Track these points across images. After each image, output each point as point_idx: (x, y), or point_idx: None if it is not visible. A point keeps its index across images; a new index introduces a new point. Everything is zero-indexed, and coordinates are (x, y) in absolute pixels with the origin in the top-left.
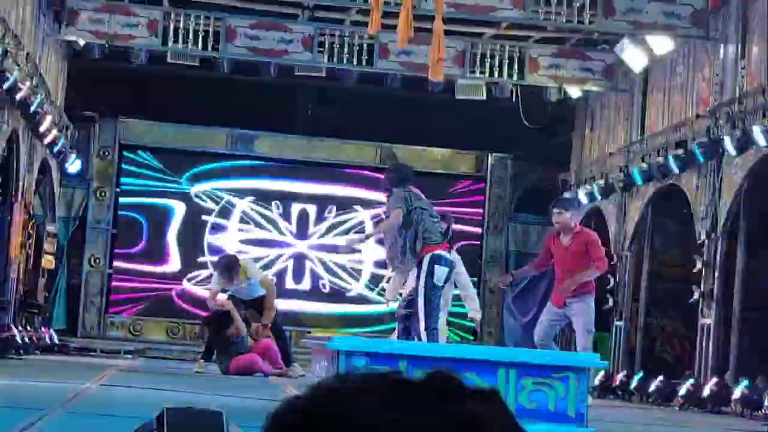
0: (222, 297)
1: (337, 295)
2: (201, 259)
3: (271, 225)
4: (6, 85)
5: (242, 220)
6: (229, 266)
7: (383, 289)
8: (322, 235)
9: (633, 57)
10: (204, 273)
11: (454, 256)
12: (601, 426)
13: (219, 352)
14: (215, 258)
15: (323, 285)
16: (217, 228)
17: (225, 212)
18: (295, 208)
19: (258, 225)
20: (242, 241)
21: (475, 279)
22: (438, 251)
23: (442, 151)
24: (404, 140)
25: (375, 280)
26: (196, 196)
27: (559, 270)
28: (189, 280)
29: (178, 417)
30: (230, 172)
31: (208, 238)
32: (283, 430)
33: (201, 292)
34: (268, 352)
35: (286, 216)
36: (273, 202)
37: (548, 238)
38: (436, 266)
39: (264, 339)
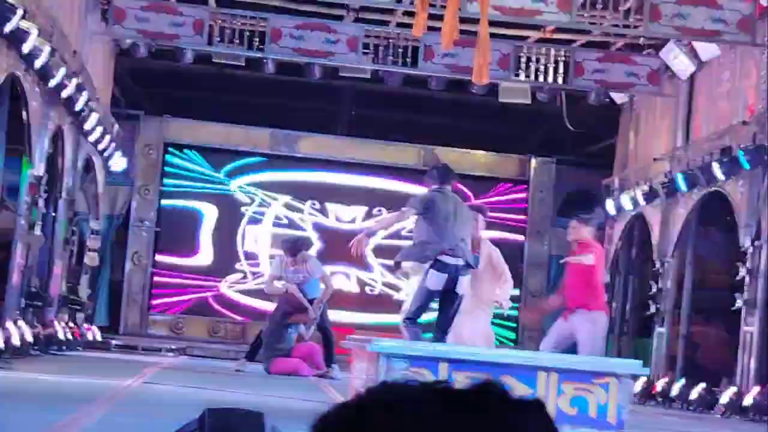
0: (279, 284)
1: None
2: (238, 265)
3: (309, 225)
4: (53, 83)
5: (282, 223)
6: (298, 242)
7: None
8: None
9: (679, 62)
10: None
11: (484, 249)
12: None
13: (267, 346)
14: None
15: (371, 289)
16: (256, 224)
17: (265, 212)
18: (339, 208)
19: (296, 227)
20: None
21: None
22: (442, 257)
23: (485, 154)
24: (447, 143)
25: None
26: (239, 195)
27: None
28: (228, 285)
29: (219, 418)
30: (273, 172)
31: (249, 239)
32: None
33: (237, 297)
34: (311, 357)
35: (325, 215)
36: (311, 203)
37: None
38: (431, 270)
39: (308, 342)
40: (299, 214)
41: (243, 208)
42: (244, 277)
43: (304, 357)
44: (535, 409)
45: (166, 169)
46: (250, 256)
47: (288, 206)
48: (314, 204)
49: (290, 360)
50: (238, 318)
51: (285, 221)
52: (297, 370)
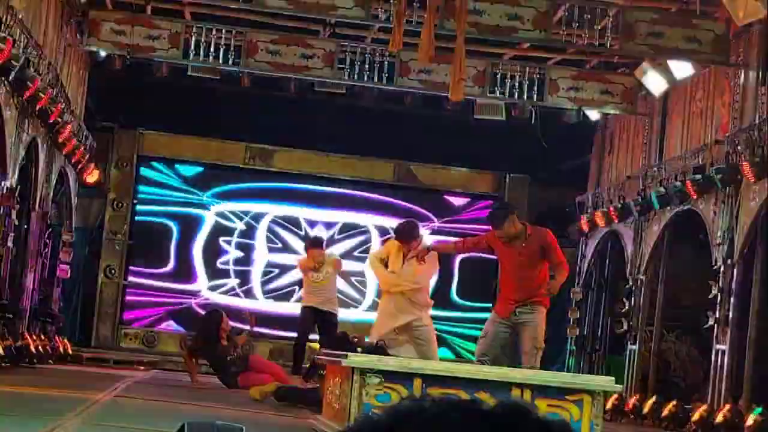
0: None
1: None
2: (218, 279)
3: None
4: (27, 94)
5: (248, 236)
6: (316, 239)
7: None
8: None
9: (653, 81)
10: (224, 282)
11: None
12: None
13: (218, 370)
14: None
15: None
16: (227, 236)
17: (247, 229)
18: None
19: (282, 241)
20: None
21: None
22: None
23: (460, 170)
24: (422, 159)
25: None
26: (214, 209)
27: (512, 277)
28: (211, 289)
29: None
30: (248, 187)
31: (225, 252)
32: None
33: (225, 300)
34: (273, 371)
35: (299, 229)
36: (284, 216)
37: (492, 236)
38: None
39: (257, 356)
40: (281, 229)
41: (216, 222)
42: (216, 290)
43: (267, 371)
44: (563, 430)
45: (140, 182)
46: (221, 273)
47: (256, 219)
48: (285, 217)
49: (258, 375)
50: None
51: (254, 235)
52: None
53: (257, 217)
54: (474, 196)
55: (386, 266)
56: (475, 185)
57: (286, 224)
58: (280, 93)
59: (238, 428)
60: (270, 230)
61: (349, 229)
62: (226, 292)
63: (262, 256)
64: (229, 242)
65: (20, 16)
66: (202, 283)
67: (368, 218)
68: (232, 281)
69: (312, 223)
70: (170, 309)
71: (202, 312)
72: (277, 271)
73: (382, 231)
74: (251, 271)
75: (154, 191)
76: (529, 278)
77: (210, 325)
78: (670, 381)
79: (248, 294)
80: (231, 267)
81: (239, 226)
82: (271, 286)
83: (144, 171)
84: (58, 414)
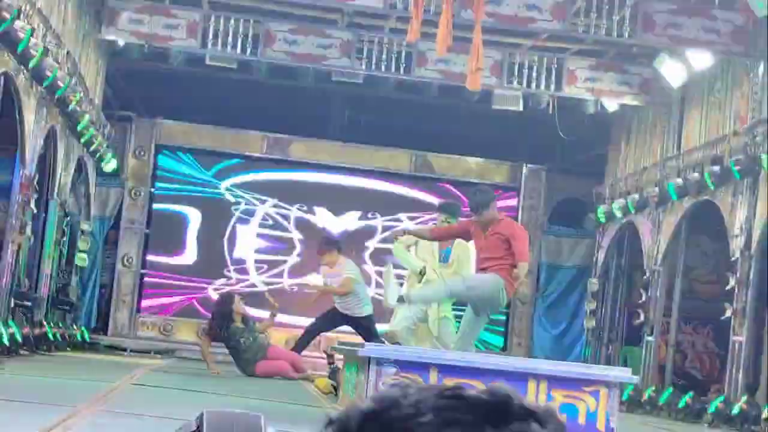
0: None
1: None
2: (226, 270)
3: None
4: (45, 83)
5: (269, 224)
6: (329, 240)
7: None
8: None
9: (671, 72)
10: (241, 269)
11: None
12: None
13: (234, 355)
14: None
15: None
16: (244, 225)
17: (253, 214)
18: (330, 213)
19: (283, 229)
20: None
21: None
22: None
23: (477, 160)
24: (439, 149)
25: None
26: (229, 197)
27: (477, 265)
28: (214, 288)
29: (217, 420)
30: (264, 173)
31: (239, 242)
32: None
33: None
34: (294, 362)
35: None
36: (298, 206)
37: (469, 222)
38: None
39: (281, 347)
40: (285, 220)
41: (233, 210)
42: (231, 280)
43: (286, 359)
44: (550, 417)
45: (158, 171)
46: (237, 261)
47: (276, 208)
48: (302, 207)
49: (276, 362)
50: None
51: (271, 223)
52: (283, 371)
53: (275, 207)
54: (490, 186)
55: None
56: (491, 175)
57: (303, 214)
58: (298, 83)
59: (257, 416)
60: (286, 219)
61: (365, 219)
62: (243, 281)
63: (278, 244)
64: (246, 231)
65: (39, 6)
66: (219, 271)
67: (385, 208)
68: (250, 270)
69: (328, 213)
70: (187, 298)
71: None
72: (296, 260)
73: (398, 221)
74: (267, 260)
75: (172, 180)
76: (492, 267)
77: (223, 308)
78: (687, 372)
79: (266, 283)
80: (248, 255)
81: (257, 215)
82: (286, 275)
83: (162, 160)
84: (75, 401)
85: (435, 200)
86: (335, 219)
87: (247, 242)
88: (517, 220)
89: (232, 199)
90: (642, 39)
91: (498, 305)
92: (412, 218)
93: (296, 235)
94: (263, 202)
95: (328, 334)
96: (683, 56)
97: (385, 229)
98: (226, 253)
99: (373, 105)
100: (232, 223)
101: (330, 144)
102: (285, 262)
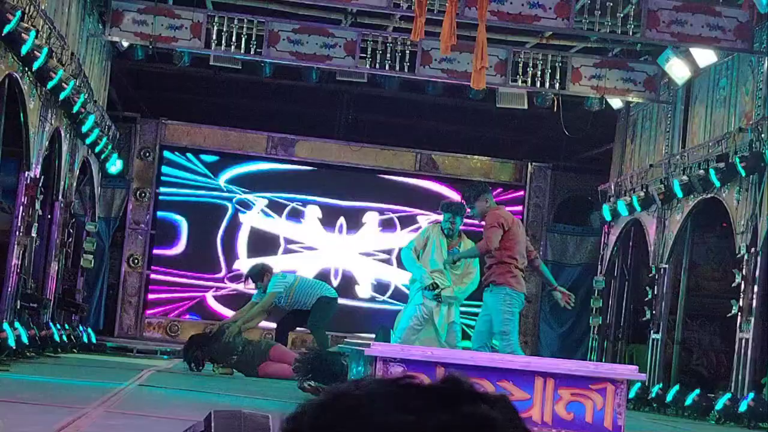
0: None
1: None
2: (236, 266)
3: (308, 229)
4: (50, 85)
5: (266, 223)
6: (257, 271)
7: None
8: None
9: (676, 69)
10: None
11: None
12: None
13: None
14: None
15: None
16: (258, 230)
17: (268, 217)
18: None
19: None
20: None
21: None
22: None
23: (482, 159)
24: (444, 148)
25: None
26: (236, 198)
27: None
28: (228, 280)
29: (225, 419)
30: (269, 175)
31: (241, 241)
32: (299, 430)
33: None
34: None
35: (325, 222)
36: (309, 207)
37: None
38: None
39: (278, 346)
40: (283, 214)
41: (239, 212)
42: (235, 279)
43: (285, 360)
44: (502, 401)
45: (163, 171)
46: (236, 259)
47: (273, 206)
48: (302, 204)
49: (278, 365)
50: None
51: (270, 220)
52: (286, 373)
53: (279, 207)
54: (496, 185)
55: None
56: (497, 174)
57: (306, 214)
58: (302, 82)
59: (265, 416)
60: (289, 219)
61: (368, 218)
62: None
63: (282, 244)
64: (249, 230)
65: (43, 7)
66: (223, 272)
67: (389, 207)
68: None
69: (331, 213)
70: (193, 298)
71: (223, 301)
72: (298, 259)
73: (404, 220)
74: (273, 260)
75: (177, 181)
76: (488, 263)
77: (194, 344)
78: (694, 370)
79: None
80: (252, 256)
81: (261, 215)
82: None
83: (167, 161)
84: (83, 403)
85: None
86: (341, 217)
87: (245, 240)
88: (522, 219)
89: (235, 198)
90: (646, 36)
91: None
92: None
93: (293, 232)
94: (263, 198)
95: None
96: (688, 53)
97: (402, 223)
98: (234, 253)
99: (377, 104)
100: (238, 223)
101: (335, 144)
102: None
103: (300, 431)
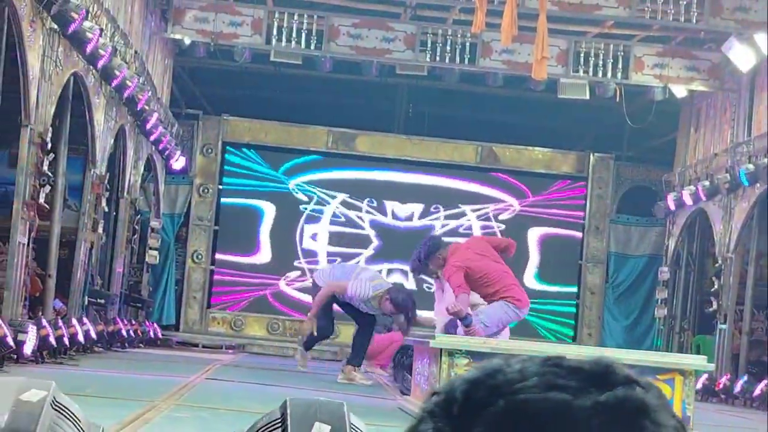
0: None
1: None
2: (296, 263)
3: (366, 223)
4: (115, 83)
5: (340, 221)
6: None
7: None
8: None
9: (740, 56)
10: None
11: None
12: (705, 431)
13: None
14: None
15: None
16: (314, 222)
17: (323, 210)
18: (396, 206)
19: (353, 225)
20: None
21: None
22: None
23: (543, 150)
24: (505, 140)
25: None
26: (297, 193)
27: None
28: (287, 282)
29: (300, 408)
30: (331, 171)
31: (307, 236)
32: (447, 405)
33: (296, 294)
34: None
35: (383, 213)
36: (368, 200)
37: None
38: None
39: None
40: (356, 212)
41: (301, 207)
42: (303, 274)
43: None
44: (652, 386)
45: (225, 167)
46: (308, 254)
47: (345, 204)
48: (371, 202)
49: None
50: (297, 315)
51: (342, 219)
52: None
53: (338, 202)
54: (558, 176)
55: None
56: (558, 165)
57: (371, 210)
58: (362, 77)
59: (341, 404)
60: (350, 214)
61: (432, 213)
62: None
63: (351, 238)
64: (316, 226)
65: (107, 6)
66: (290, 264)
67: (452, 201)
68: (321, 262)
69: (396, 207)
70: (256, 293)
71: (285, 297)
72: (371, 253)
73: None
74: (341, 253)
75: (239, 176)
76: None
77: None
78: (762, 360)
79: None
80: (320, 249)
81: (327, 211)
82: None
83: (229, 157)
84: (151, 396)
85: (498, 194)
86: (401, 211)
87: (318, 236)
88: (584, 210)
89: (303, 197)
90: (710, 23)
91: None
92: (474, 210)
93: (369, 231)
94: (333, 197)
95: None
96: (752, 40)
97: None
98: (298, 246)
99: (437, 97)
100: (300, 218)
101: (395, 137)
102: (360, 254)
103: (451, 407)
